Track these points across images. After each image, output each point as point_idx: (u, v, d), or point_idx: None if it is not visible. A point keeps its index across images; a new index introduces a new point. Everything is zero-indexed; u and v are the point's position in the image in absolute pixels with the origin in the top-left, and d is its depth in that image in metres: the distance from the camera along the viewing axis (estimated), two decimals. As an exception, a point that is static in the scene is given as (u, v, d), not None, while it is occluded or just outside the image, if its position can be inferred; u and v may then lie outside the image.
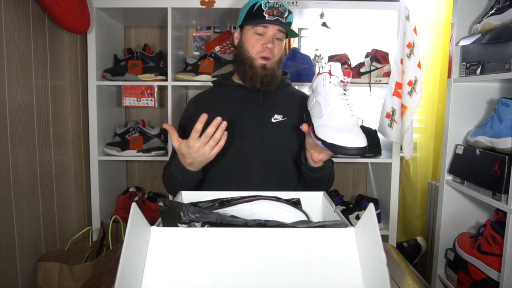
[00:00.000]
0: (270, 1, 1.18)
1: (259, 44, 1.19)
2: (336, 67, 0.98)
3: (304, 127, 1.04)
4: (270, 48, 1.18)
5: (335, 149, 0.92)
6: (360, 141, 0.90)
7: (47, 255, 1.54)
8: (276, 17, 1.17)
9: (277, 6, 1.18)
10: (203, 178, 1.21)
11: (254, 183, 1.20)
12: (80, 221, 1.84)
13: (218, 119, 1.00)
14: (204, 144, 1.00)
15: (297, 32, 2.14)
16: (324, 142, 0.94)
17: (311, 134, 1.01)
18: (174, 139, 1.04)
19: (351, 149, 0.90)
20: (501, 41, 1.35)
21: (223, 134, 1.02)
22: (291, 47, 2.08)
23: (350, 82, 1.01)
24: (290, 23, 1.23)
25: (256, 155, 1.21)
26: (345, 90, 0.98)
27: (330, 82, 0.97)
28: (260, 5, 1.17)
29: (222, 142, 1.02)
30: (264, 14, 1.17)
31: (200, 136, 1.00)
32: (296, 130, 1.24)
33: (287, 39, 2.09)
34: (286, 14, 1.19)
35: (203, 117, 0.99)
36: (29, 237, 1.47)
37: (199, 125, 0.99)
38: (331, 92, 0.96)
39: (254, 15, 1.19)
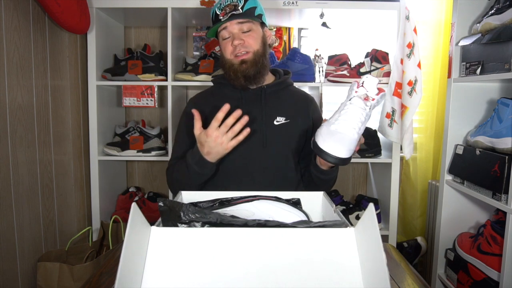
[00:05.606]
0: (221, 2, 1.19)
1: (229, 46, 1.20)
2: (371, 81, 0.96)
3: None
4: (237, 44, 1.17)
5: (315, 149, 0.94)
6: (343, 152, 0.90)
7: (47, 255, 1.54)
8: (229, 13, 1.16)
9: (228, 2, 1.17)
10: (206, 181, 1.20)
11: (255, 186, 1.19)
12: (80, 221, 1.84)
13: (239, 111, 1.02)
14: (223, 134, 1.03)
15: (297, 31, 2.13)
16: (312, 140, 0.96)
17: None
18: (197, 128, 1.07)
19: (329, 156, 0.91)
20: (501, 41, 1.35)
21: (244, 130, 1.04)
22: (291, 47, 2.08)
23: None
24: (251, 9, 1.20)
25: (258, 158, 1.20)
26: (366, 105, 0.96)
27: (356, 92, 0.97)
28: (215, 11, 1.19)
29: (241, 137, 1.05)
30: (219, 18, 1.18)
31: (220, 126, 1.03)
32: (299, 132, 1.24)
33: (287, 39, 2.10)
34: (241, 5, 1.17)
35: (226, 107, 1.01)
36: (29, 237, 1.47)
37: (220, 114, 1.02)
38: (352, 101, 0.97)
39: (213, 23, 1.21)
